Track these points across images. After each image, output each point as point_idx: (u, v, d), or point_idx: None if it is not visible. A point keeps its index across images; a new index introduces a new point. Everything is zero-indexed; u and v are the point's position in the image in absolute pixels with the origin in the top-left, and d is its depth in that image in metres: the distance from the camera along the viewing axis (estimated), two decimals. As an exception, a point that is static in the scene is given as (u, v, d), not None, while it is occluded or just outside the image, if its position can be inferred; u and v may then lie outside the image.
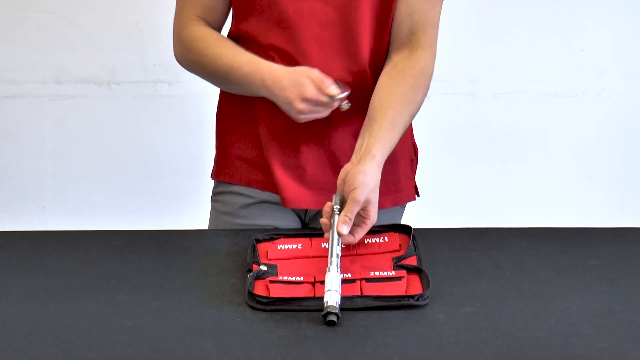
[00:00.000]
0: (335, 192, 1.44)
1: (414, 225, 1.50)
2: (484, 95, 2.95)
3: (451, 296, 1.29)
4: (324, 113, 1.50)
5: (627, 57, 2.93)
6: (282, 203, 1.60)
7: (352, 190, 1.39)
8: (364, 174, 1.41)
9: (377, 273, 1.33)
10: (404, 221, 1.66)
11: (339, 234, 1.37)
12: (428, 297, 1.27)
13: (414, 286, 1.31)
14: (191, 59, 1.59)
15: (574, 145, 2.99)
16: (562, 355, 1.12)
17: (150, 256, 1.46)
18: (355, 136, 1.50)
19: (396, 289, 1.28)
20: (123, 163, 2.95)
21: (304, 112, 1.48)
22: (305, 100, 1.47)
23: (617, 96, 2.96)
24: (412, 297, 1.25)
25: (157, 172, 2.97)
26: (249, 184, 1.63)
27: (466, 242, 1.52)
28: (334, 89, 1.47)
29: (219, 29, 1.63)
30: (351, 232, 1.40)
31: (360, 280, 1.31)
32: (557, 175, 3.01)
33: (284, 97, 1.48)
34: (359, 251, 1.44)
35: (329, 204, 1.43)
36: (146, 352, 1.13)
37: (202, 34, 1.58)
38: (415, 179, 1.72)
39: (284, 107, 1.50)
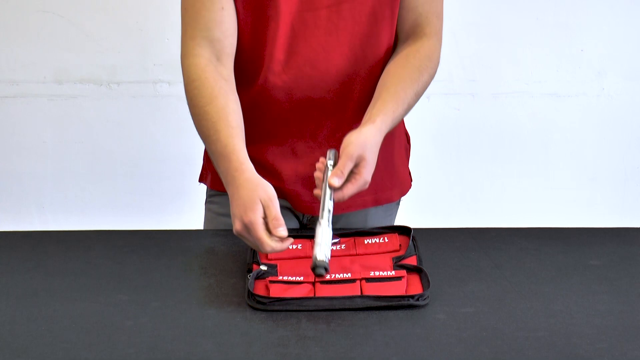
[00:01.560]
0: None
1: (413, 226, 1.50)
2: (484, 95, 2.94)
3: (451, 296, 1.29)
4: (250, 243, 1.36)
5: (627, 57, 2.93)
6: (296, 209, 1.60)
7: (346, 146, 1.39)
8: (360, 133, 1.41)
9: (377, 273, 1.33)
10: (402, 220, 1.66)
11: (330, 186, 1.36)
12: (428, 297, 1.27)
13: (414, 286, 1.31)
14: (186, 93, 1.50)
15: (574, 145, 2.98)
16: (562, 355, 1.12)
17: (150, 256, 1.46)
18: None
19: (396, 289, 1.28)
20: (123, 163, 2.95)
21: (241, 233, 1.35)
22: (250, 223, 1.33)
23: (617, 96, 2.96)
24: (412, 297, 1.25)
25: (157, 172, 2.96)
26: None
27: (466, 242, 1.52)
28: (282, 231, 1.32)
29: (229, 43, 1.51)
30: (342, 189, 1.38)
31: (360, 280, 1.31)
32: (557, 175, 3.00)
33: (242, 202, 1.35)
34: (358, 251, 1.44)
35: (322, 159, 1.43)
36: (146, 352, 1.13)
37: (199, 74, 1.47)
38: (413, 177, 1.72)
39: (240, 211, 1.35)
